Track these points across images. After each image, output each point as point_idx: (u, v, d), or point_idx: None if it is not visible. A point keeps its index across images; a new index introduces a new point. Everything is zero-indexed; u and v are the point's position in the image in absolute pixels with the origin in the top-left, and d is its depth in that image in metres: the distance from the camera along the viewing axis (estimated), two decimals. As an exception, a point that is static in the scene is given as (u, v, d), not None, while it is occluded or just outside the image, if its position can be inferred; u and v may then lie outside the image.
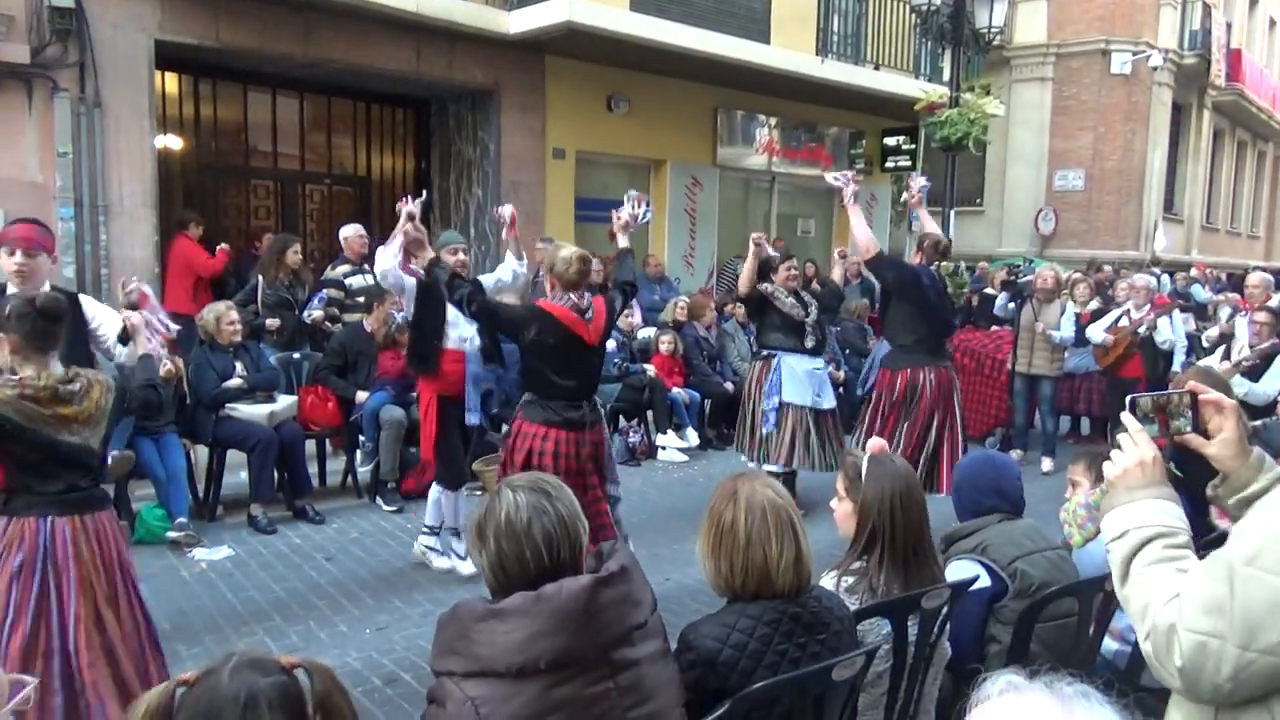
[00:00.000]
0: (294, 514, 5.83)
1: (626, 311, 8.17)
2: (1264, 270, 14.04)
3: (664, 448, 7.86)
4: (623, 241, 4.75)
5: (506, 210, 4.99)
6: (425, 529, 5.16)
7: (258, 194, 10.00)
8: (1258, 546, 1.20)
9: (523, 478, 1.84)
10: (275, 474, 5.73)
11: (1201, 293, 13.97)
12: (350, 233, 7.11)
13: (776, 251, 6.51)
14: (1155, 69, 17.33)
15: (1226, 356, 6.90)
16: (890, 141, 13.05)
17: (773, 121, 12.22)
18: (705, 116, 11.42)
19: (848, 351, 9.34)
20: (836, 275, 6.75)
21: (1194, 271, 16.00)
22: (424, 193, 5.15)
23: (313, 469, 6.29)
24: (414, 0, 8.33)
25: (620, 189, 11.01)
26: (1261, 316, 6.74)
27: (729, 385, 8.23)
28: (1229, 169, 23.48)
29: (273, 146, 9.98)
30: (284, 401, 5.90)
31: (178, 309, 6.60)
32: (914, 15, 10.51)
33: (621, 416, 7.98)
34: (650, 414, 8.02)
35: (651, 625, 1.80)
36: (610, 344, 7.92)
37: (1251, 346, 6.66)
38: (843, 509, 2.50)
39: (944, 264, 5.87)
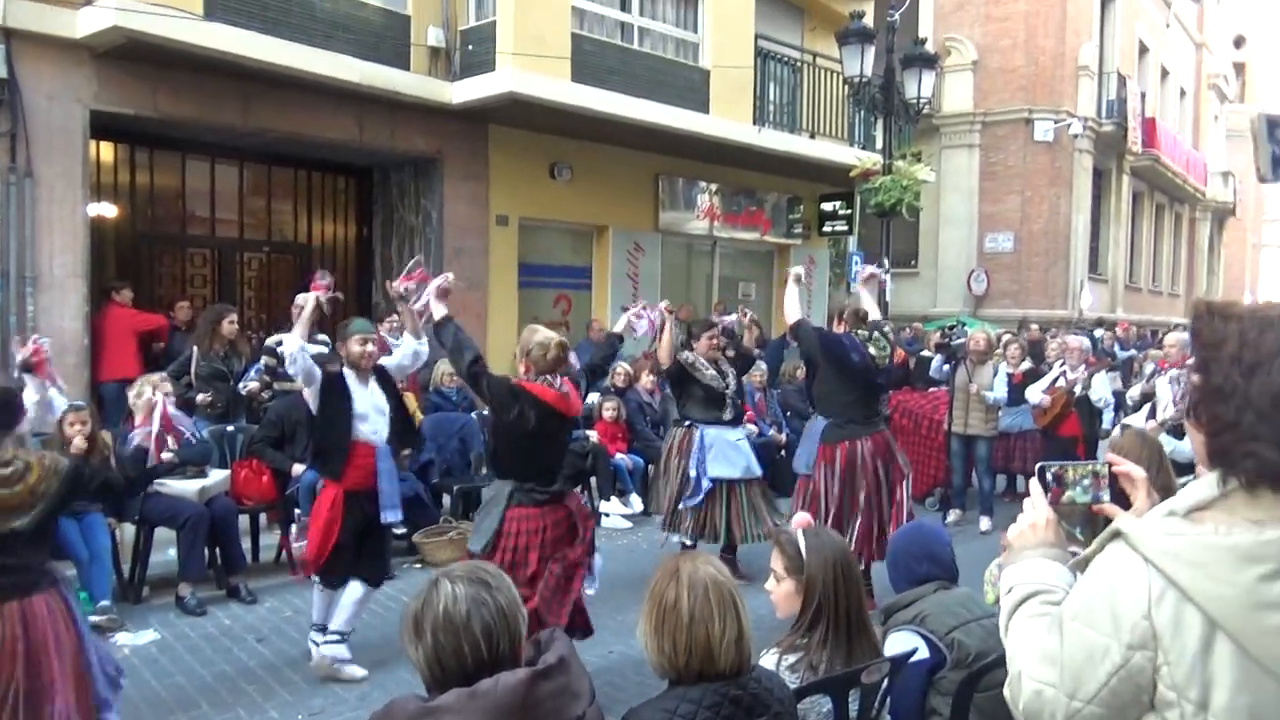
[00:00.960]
0: (225, 593, 5.64)
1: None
2: (1184, 329, 14.55)
3: (608, 515, 7.80)
4: (619, 327, 5.02)
5: (413, 281, 4.58)
6: (313, 625, 4.75)
7: (194, 262, 9.86)
8: (1080, 601, 1.25)
9: (460, 567, 1.80)
10: (206, 551, 5.56)
11: (1120, 351, 14.50)
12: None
13: (683, 319, 6.62)
14: (1076, 136, 18.14)
15: (1152, 415, 7.12)
16: (827, 207, 13.42)
17: (713, 188, 12.48)
18: (647, 183, 11.63)
19: (789, 414, 9.44)
20: (748, 340, 6.85)
21: (1118, 330, 16.61)
22: (332, 284, 4.90)
23: (246, 545, 6.10)
24: (357, 71, 8.40)
25: (564, 255, 11.34)
26: (1182, 374, 6.98)
27: (673, 450, 8.25)
28: (1149, 230, 24.52)
29: (210, 214, 9.87)
30: (216, 476, 5.76)
31: (127, 375, 6.46)
32: (847, 87, 10.87)
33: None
34: (594, 481, 7.97)
35: (589, 717, 1.78)
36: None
37: (1175, 405, 6.87)
38: (783, 589, 2.48)
39: (861, 331, 5.97)
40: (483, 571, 1.78)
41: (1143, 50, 22.86)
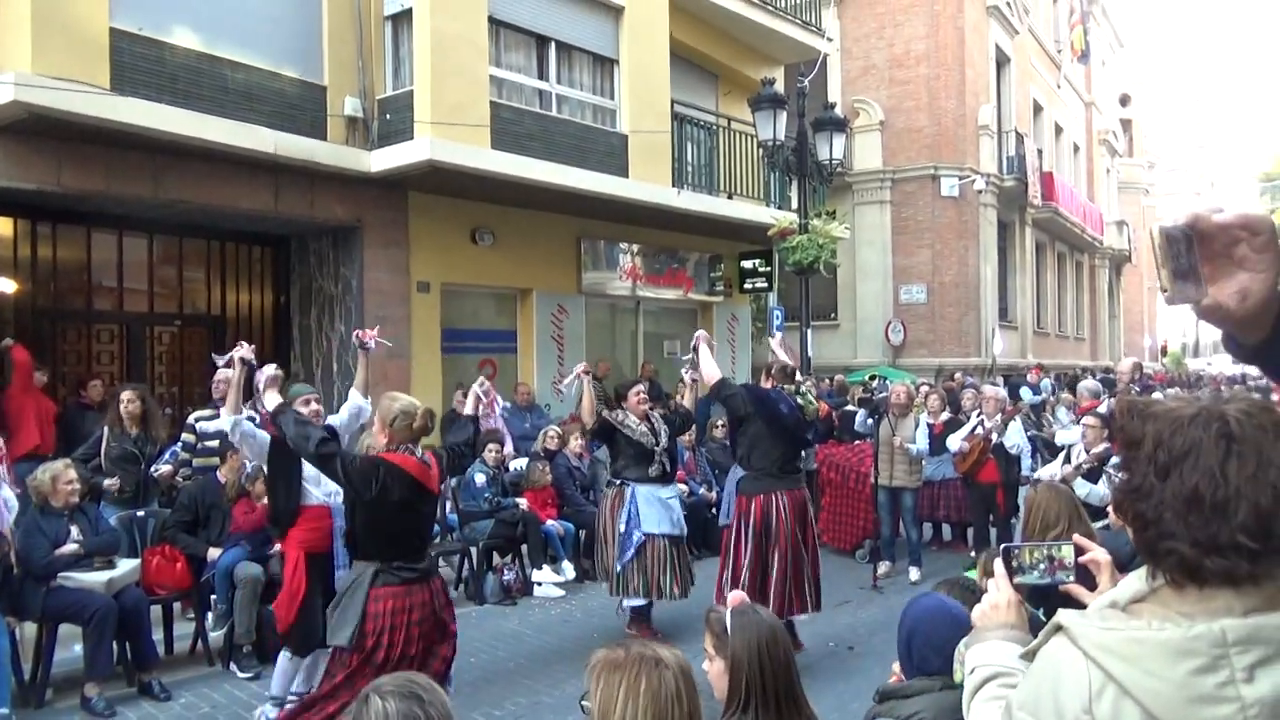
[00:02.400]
0: (137, 690, 5.32)
1: (493, 447, 8.06)
2: (1094, 376, 15.16)
3: (540, 584, 7.66)
4: (468, 409, 4.66)
5: (371, 336, 4.77)
6: (271, 700, 4.76)
7: (100, 338, 9.49)
8: (1027, 692, 1.27)
9: (391, 682, 1.71)
10: (115, 647, 5.24)
11: (1030, 395, 15.00)
12: (225, 375, 6.63)
13: (600, 377, 6.65)
14: (980, 191, 18.95)
15: (1068, 460, 7.35)
16: (747, 264, 13.67)
17: (635, 248, 12.61)
18: (569, 246, 11.70)
19: (717, 471, 9.48)
20: (687, 400, 6.89)
21: (1031, 376, 17.20)
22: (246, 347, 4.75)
23: (158, 636, 5.79)
24: (271, 141, 8.30)
25: (489, 319, 11.28)
26: (1091, 421, 7.26)
27: (604, 514, 8.18)
28: (1053, 278, 25.61)
29: (118, 287, 9.55)
30: (125, 566, 5.46)
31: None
32: (761, 149, 11.17)
33: (495, 553, 7.77)
34: (525, 549, 7.84)
35: None
36: (480, 478, 7.81)
37: (1087, 450, 7.13)
38: (715, 669, 2.45)
39: (787, 385, 6.09)
40: (414, 685, 1.70)
41: (1037, 109, 24.13)
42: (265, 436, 4.61)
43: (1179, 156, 65.35)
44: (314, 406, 4.70)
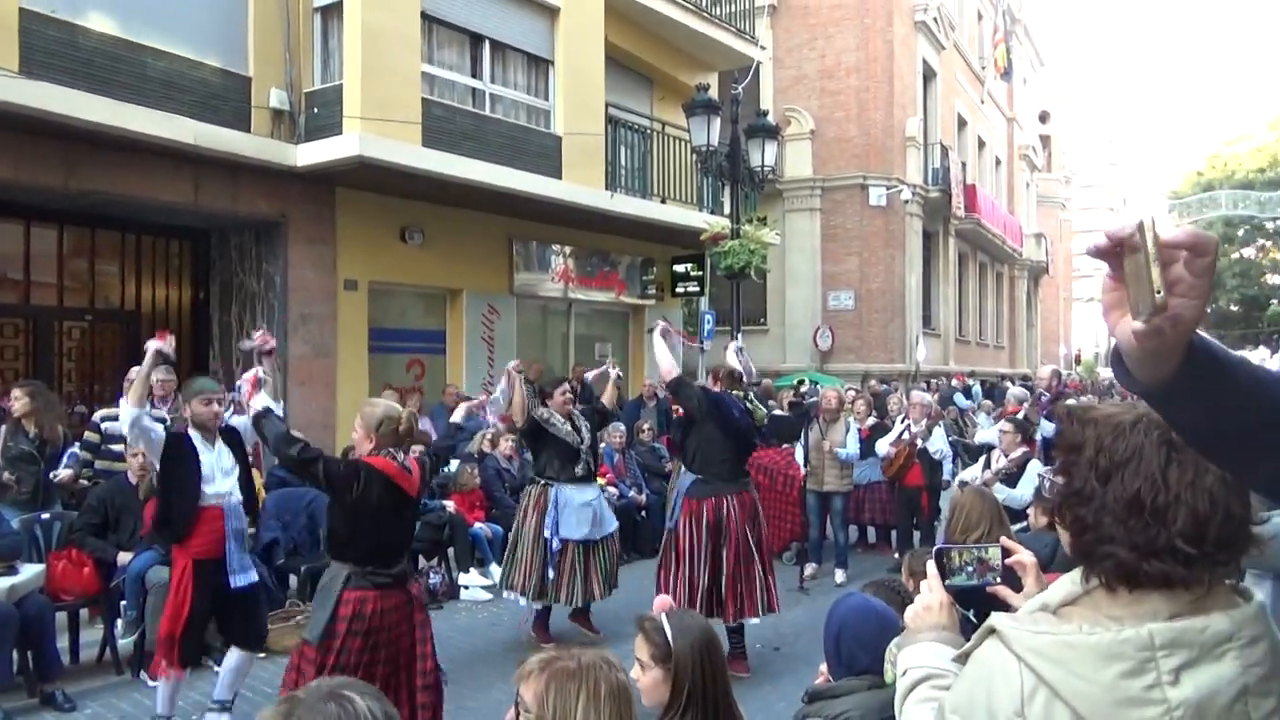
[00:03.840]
0: (39, 701, 5.07)
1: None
2: (1014, 383, 15.63)
3: (467, 587, 7.56)
4: (458, 416, 4.85)
5: (257, 337, 4.56)
6: (215, 703, 4.61)
7: (4, 333, 9.05)
8: (960, 695, 1.28)
9: (318, 690, 1.59)
10: (16, 657, 4.99)
11: (963, 400, 15.41)
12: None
13: (533, 380, 6.58)
14: (906, 201, 19.40)
15: (988, 465, 7.56)
16: (679, 268, 13.73)
17: (568, 250, 12.57)
18: (501, 246, 11.59)
19: (646, 474, 9.50)
20: (607, 398, 6.87)
21: (954, 381, 17.66)
22: (170, 338, 4.61)
23: (63, 644, 5.53)
24: (191, 132, 8.04)
25: (417, 319, 11.12)
26: (1006, 427, 7.48)
27: (533, 516, 8.11)
28: (974, 288, 26.35)
29: (25, 279, 9.13)
30: (28, 572, 5.19)
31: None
32: (694, 155, 11.24)
33: (421, 556, 7.64)
34: (452, 552, 7.73)
35: None
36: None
37: (1005, 455, 7.34)
38: (650, 677, 2.39)
39: (736, 390, 6.13)
40: (344, 691, 1.60)
41: (961, 123, 24.81)
42: (162, 433, 4.49)
43: (1094, 173, 67.95)
44: (214, 407, 4.50)
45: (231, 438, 4.65)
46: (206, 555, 4.41)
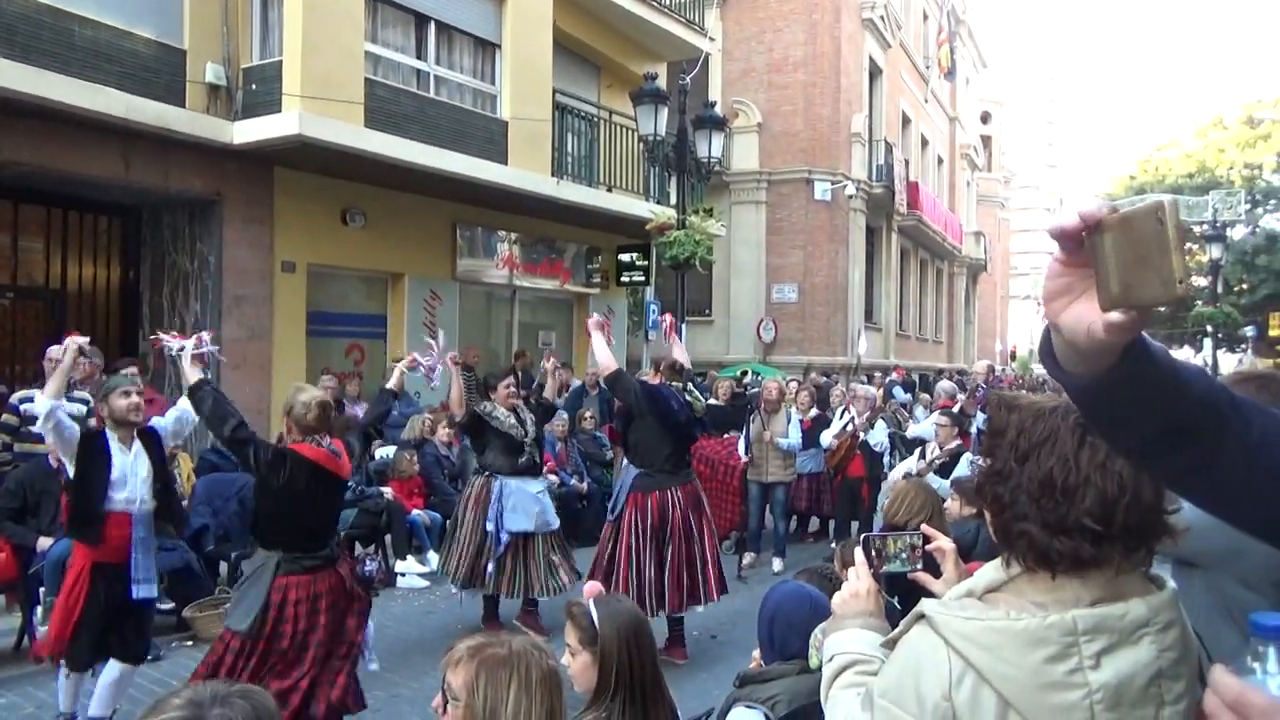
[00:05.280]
0: (-50, 691, 4.89)
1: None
2: (949, 378, 15.95)
3: (404, 574, 7.47)
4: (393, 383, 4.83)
5: (191, 341, 4.27)
6: (59, 715, 4.46)
7: (-81, 308, 8.69)
8: (889, 680, 1.30)
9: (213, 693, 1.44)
10: (-75, 645, 4.80)
11: (901, 394, 15.68)
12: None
13: (471, 366, 6.52)
14: (850, 197, 19.63)
15: (923, 456, 7.70)
16: (625, 258, 13.69)
17: (513, 237, 12.46)
18: (444, 231, 11.44)
19: (588, 462, 9.48)
20: (549, 391, 6.83)
21: (894, 375, 17.95)
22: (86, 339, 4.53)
23: (-22, 632, 5.35)
24: (121, 104, 7.77)
25: (358, 303, 10.93)
26: (941, 420, 7.64)
27: (472, 504, 8.04)
28: (915, 283, 26.80)
29: (-58, 254, 8.76)
30: (-59, 556, 5.01)
31: None
32: (642, 144, 11.21)
33: (358, 543, 7.53)
34: (389, 539, 7.62)
35: None
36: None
37: (940, 447, 7.49)
38: (580, 662, 2.40)
39: (676, 382, 6.12)
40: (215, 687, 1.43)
41: (905, 121, 25.17)
42: (76, 430, 4.33)
43: (1032, 174, 69.61)
44: (134, 399, 4.31)
45: (150, 440, 4.45)
46: (108, 560, 4.24)
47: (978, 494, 1.37)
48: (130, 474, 4.28)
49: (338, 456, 3.92)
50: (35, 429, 5.82)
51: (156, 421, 4.59)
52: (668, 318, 6.53)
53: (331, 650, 3.85)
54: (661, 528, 5.74)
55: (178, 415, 4.56)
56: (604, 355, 5.87)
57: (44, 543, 5.45)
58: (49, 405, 4.18)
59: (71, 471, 4.34)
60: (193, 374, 4.02)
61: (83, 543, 4.28)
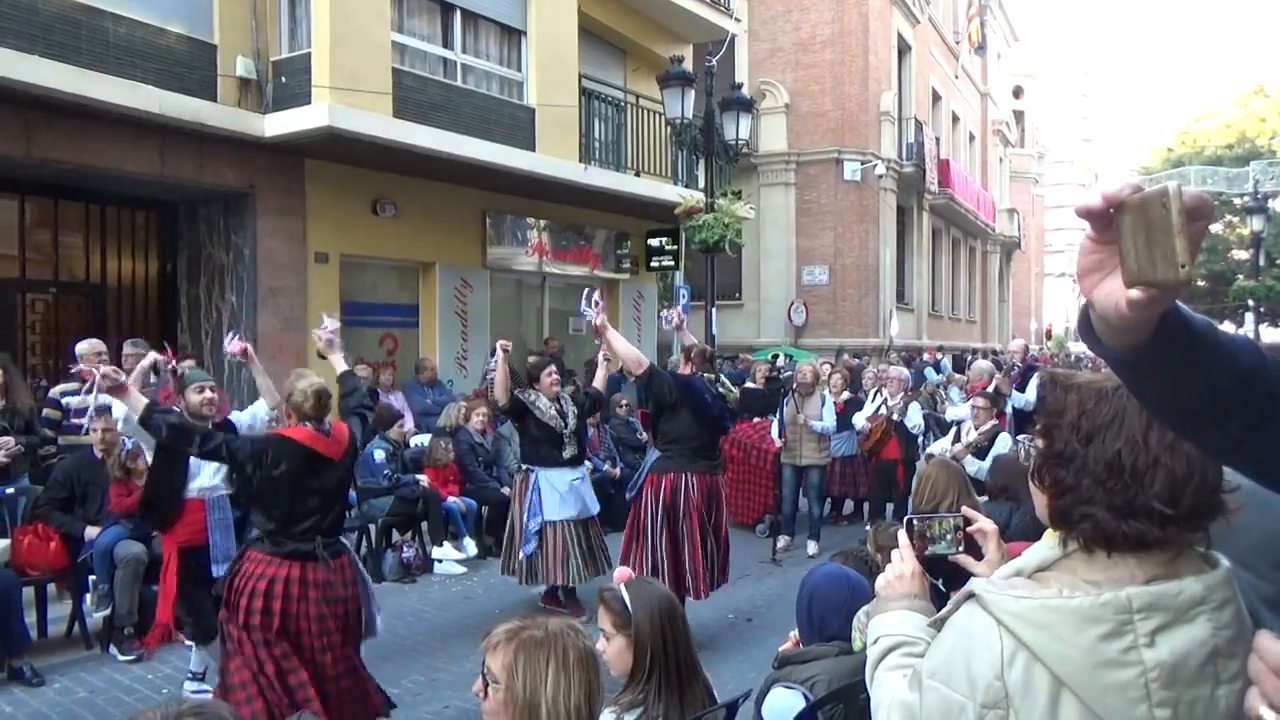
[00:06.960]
0: (7, 676, 5.03)
1: (399, 422, 7.98)
2: (984, 357, 15.75)
3: (440, 560, 7.55)
4: (339, 366, 4.46)
5: (235, 345, 4.69)
6: (190, 674, 4.84)
7: (-35, 305, 8.87)
8: (938, 660, 1.30)
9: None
10: (-18, 632, 4.94)
11: (934, 375, 15.52)
12: (86, 349, 6.03)
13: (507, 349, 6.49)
14: (880, 176, 19.40)
15: (958, 438, 7.63)
16: (654, 242, 13.68)
17: (542, 224, 12.48)
18: (474, 219, 11.49)
19: (621, 448, 9.50)
20: (599, 380, 6.82)
21: (926, 356, 17.78)
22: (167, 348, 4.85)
23: (31, 618, 5.47)
24: (156, 100, 7.87)
25: (390, 292, 11.02)
26: (980, 402, 7.55)
27: (506, 490, 8.10)
28: (948, 263, 26.51)
29: (-14, 251, 8.93)
30: (-6, 546, 5.14)
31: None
32: (669, 127, 11.16)
33: (395, 530, 7.62)
34: (425, 526, 7.71)
35: None
36: (379, 454, 7.63)
37: (976, 428, 7.41)
38: (614, 646, 2.42)
39: (707, 373, 6.11)
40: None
41: (935, 98, 24.84)
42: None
43: (1066, 149, 68.42)
44: (207, 394, 4.52)
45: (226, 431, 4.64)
46: (190, 543, 4.61)
47: (1033, 477, 1.34)
48: (204, 464, 4.53)
49: (327, 435, 3.87)
50: (78, 421, 6.01)
51: (235, 416, 4.86)
52: (676, 313, 6.24)
53: (323, 647, 3.75)
54: (673, 510, 5.74)
55: (253, 412, 4.86)
56: (629, 352, 5.72)
57: (91, 532, 5.58)
58: (126, 412, 4.08)
59: (150, 463, 4.63)
60: (137, 403, 3.88)
61: (156, 528, 4.68)
